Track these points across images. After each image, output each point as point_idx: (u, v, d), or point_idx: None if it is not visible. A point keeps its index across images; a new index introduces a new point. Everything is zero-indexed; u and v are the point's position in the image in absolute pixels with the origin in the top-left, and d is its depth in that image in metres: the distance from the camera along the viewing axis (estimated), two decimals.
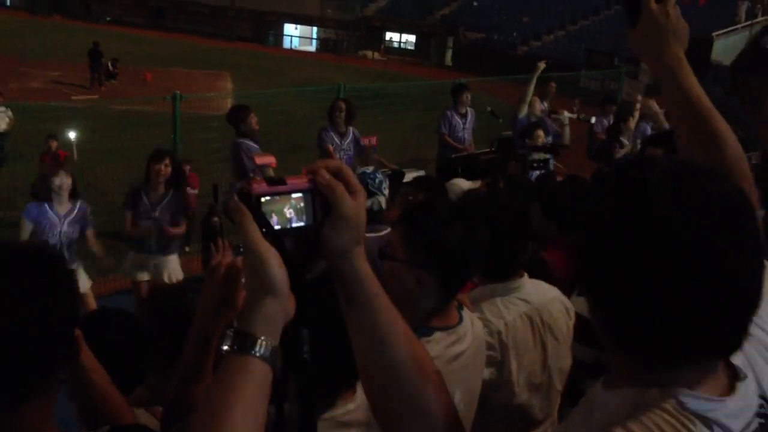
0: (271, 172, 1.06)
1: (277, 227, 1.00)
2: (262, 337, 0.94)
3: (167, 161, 5.81)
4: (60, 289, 1.18)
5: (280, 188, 1.01)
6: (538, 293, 2.34)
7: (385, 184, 3.85)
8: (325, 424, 1.46)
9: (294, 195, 1.01)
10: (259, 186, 1.00)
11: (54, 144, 9.59)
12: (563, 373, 2.38)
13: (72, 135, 8.79)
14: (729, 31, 25.97)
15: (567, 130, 8.38)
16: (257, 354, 0.93)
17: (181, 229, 6.04)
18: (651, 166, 0.92)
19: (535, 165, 6.28)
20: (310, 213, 1.02)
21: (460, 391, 1.82)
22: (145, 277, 5.95)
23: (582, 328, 2.41)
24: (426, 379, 1.07)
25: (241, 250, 0.98)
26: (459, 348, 1.83)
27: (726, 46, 25.01)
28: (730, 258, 0.86)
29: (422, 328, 1.81)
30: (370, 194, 3.68)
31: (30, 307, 1.12)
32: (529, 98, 8.59)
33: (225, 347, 0.94)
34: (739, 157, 1.40)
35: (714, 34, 23.35)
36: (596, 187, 0.99)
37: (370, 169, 4.07)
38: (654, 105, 5.52)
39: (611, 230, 0.90)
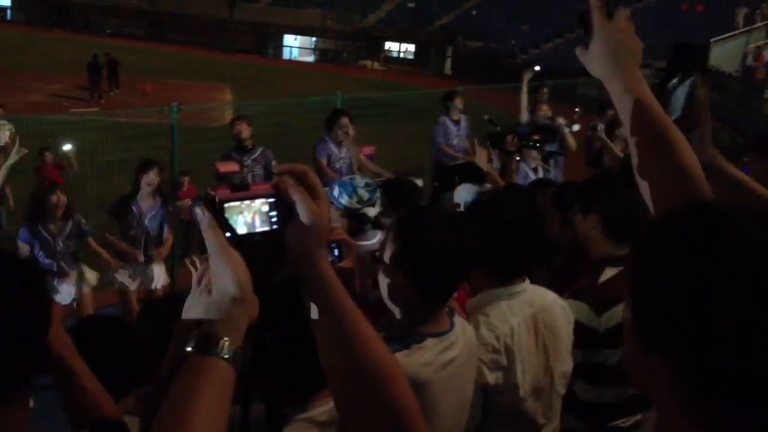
0: (235, 179, 1.10)
1: (241, 232, 1.04)
2: (225, 339, 0.95)
3: (156, 170, 5.90)
4: (32, 296, 1.18)
5: (244, 194, 1.05)
6: (539, 297, 2.35)
7: (373, 195, 3.84)
8: (303, 424, 1.46)
9: (258, 200, 1.05)
10: (222, 192, 1.04)
11: (49, 156, 9.49)
12: (565, 377, 2.38)
13: (68, 147, 8.81)
14: (727, 37, 26.00)
15: (567, 135, 8.28)
16: (220, 355, 0.95)
17: (167, 246, 6.19)
18: (729, 212, 0.88)
19: (530, 144, 6.16)
20: (274, 218, 1.06)
21: (452, 396, 1.82)
22: (133, 286, 6.01)
23: None
24: (390, 381, 1.08)
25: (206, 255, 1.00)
26: (451, 354, 1.83)
27: (724, 52, 25.03)
28: None
29: (414, 335, 1.81)
30: (355, 206, 3.66)
31: (1, 314, 1.11)
32: (524, 105, 8.66)
33: (188, 348, 0.96)
34: (695, 164, 1.39)
35: (712, 40, 23.38)
36: (668, 238, 0.92)
37: (358, 179, 4.05)
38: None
39: (700, 283, 0.84)
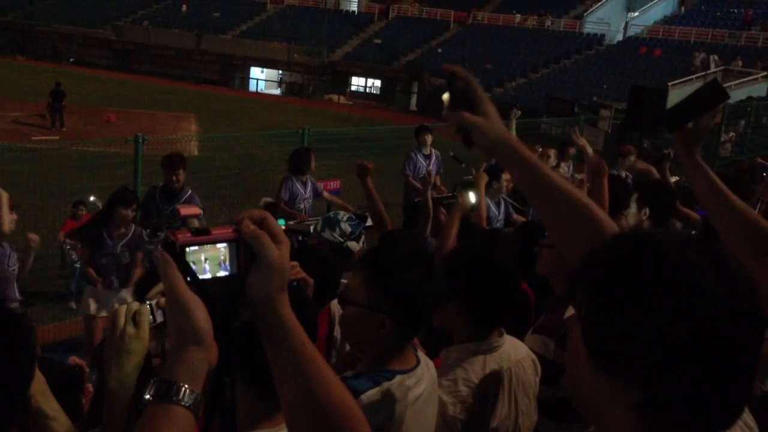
0: (195, 223, 1.08)
1: (202, 276, 1.02)
2: (186, 386, 0.94)
3: (134, 206, 5.87)
4: (19, 349, 1.16)
5: (204, 238, 1.03)
6: (514, 351, 2.34)
7: (356, 229, 3.82)
8: None
9: (219, 245, 1.04)
10: (183, 236, 1.02)
11: (82, 210, 8.84)
12: (530, 429, 2.38)
13: (92, 198, 8.71)
14: (684, 81, 26.74)
15: None
16: (181, 402, 0.93)
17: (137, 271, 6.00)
18: (666, 240, 0.93)
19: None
20: (234, 262, 1.04)
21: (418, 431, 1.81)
22: (103, 313, 5.87)
23: None
24: (352, 427, 1.07)
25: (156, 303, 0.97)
26: (418, 390, 1.83)
27: (681, 95, 25.66)
28: (751, 334, 0.88)
29: (383, 372, 1.81)
30: (338, 239, 3.65)
31: None
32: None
33: (147, 396, 0.94)
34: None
35: (669, 83, 24.06)
36: (611, 261, 0.96)
37: (341, 213, 4.05)
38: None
39: (642, 307, 0.88)
